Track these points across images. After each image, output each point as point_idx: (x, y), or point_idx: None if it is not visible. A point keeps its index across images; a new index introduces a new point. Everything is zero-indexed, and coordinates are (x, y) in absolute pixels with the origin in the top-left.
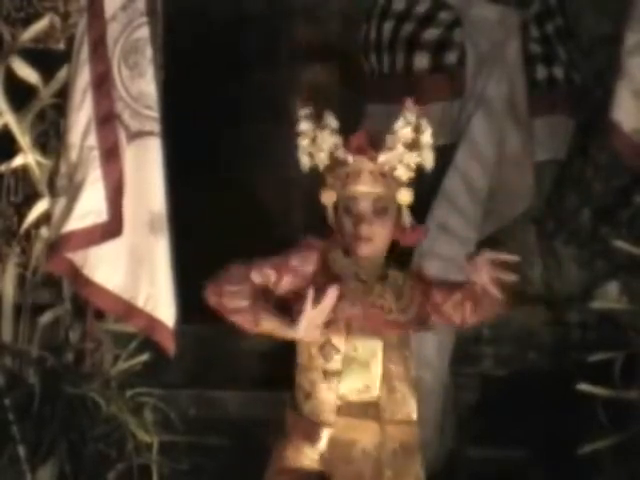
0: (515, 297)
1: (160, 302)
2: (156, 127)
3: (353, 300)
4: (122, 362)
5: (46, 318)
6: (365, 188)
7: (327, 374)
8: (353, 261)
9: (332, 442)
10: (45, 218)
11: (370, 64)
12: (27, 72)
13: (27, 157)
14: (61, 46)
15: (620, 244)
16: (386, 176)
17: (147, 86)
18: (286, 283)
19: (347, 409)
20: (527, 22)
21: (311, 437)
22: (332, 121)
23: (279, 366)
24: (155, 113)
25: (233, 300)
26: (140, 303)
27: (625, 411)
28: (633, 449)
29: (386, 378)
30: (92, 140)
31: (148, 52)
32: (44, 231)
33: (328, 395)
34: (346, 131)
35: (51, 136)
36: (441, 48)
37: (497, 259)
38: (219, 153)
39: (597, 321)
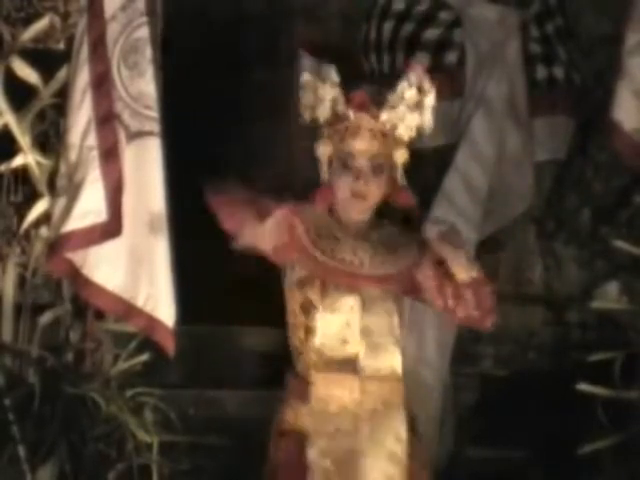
0: (515, 297)
1: (160, 302)
2: (156, 127)
3: (324, 257)
4: (122, 362)
5: (46, 318)
6: (364, 145)
7: (309, 331)
8: (335, 220)
9: (312, 397)
10: (45, 218)
11: (370, 64)
12: (27, 72)
13: (27, 157)
14: (61, 46)
15: (620, 244)
16: (386, 135)
17: (147, 86)
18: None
19: (325, 365)
20: (527, 22)
21: (302, 396)
22: (333, 74)
23: (279, 366)
24: (155, 113)
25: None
26: (140, 303)
27: (625, 411)
28: (633, 449)
29: (367, 333)
30: (92, 140)
31: (148, 52)
32: (44, 231)
33: (311, 352)
34: None
35: (51, 136)
36: (441, 48)
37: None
38: (219, 153)
39: (597, 321)
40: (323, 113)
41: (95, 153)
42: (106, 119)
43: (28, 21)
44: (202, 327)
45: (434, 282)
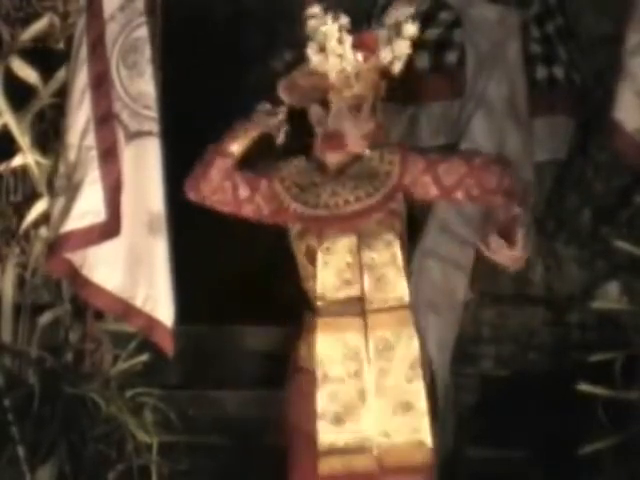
0: (515, 297)
1: (159, 302)
2: (155, 127)
3: (308, 209)
4: (122, 362)
5: (46, 318)
6: (370, 86)
7: (315, 278)
8: (314, 166)
9: (319, 342)
10: (44, 218)
11: None
12: (26, 72)
13: (26, 157)
14: (60, 46)
15: (620, 244)
16: (380, 71)
17: (146, 86)
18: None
19: (328, 308)
20: (527, 22)
21: (309, 328)
22: (345, 19)
23: (279, 366)
24: (154, 113)
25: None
26: (139, 303)
27: (625, 411)
28: (633, 449)
29: (370, 268)
30: (91, 140)
31: (147, 52)
32: (43, 231)
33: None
34: None
35: (51, 136)
36: (441, 48)
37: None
38: None
39: (597, 321)
40: (349, 62)
41: (94, 153)
42: (105, 119)
43: (27, 21)
44: (202, 327)
45: (442, 168)
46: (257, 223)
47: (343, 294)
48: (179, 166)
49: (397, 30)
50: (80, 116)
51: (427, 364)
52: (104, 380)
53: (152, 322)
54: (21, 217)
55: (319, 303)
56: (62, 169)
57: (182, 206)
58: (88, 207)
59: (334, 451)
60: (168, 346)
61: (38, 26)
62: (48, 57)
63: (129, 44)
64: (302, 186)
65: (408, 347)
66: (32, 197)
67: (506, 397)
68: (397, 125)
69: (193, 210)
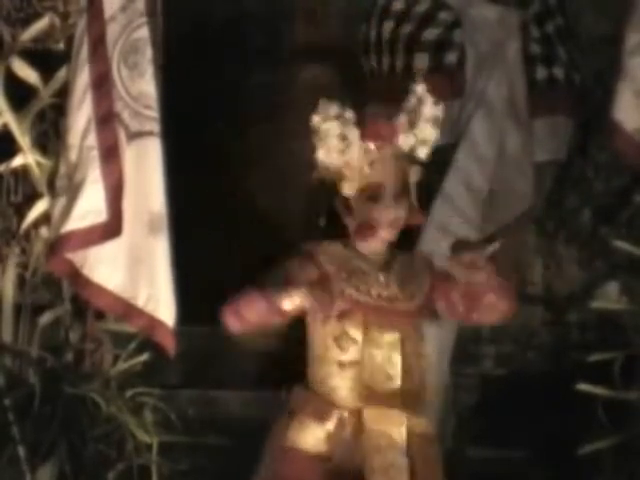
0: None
1: (160, 302)
2: (156, 127)
3: (361, 293)
4: (122, 362)
5: (46, 318)
6: (389, 173)
7: (342, 365)
8: (355, 254)
9: (361, 433)
10: (45, 218)
11: (370, 64)
12: (27, 72)
13: (27, 157)
14: (61, 46)
15: (620, 244)
16: (403, 157)
17: (147, 86)
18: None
19: (372, 398)
20: (527, 22)
21: (320, 415)
22: (350, 114)
23: (279, 366)
24: (155, 113)
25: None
26: (140, 303)
27: (625, 411)
28: (633, 449)
29: (405, 369)
30: (92, 140)
31: (148, 52)
32: (44, 231)
33: (343, 384)
34: None
35: (51, 136)
36: (441, 48)
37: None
38: (219, 153)
39: (597, 321)
40: (354, 155)
41: (95, 153)
42: (106, 119)
43: (28, 21)
44: (202, 327)
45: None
46: (257, 224)
47: (387, 387)
48: (180, 166)
49: (416, 114)
50: (81, 116)
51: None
52: (104, 380)
53: (154, 322)
54: (21, 217)
55: (363, 391)
56: (63, 169)
57: (183, 206)
58: (89, 207)
59: None
60: (170, 346)
61: (38, 26)
62: (48, 57)
63: (130, 44)
64: (350, 270)
65: (436, 452)
66: (32, 197)
67: (506, 397)
68: None
69: (194, 210)
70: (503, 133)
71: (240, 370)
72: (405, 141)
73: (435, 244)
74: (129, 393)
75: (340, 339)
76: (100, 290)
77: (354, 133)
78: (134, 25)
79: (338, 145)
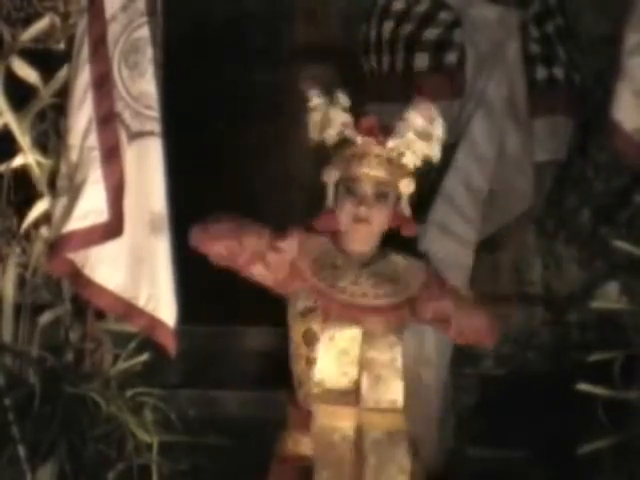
0: (515, 297)
1: (161, 302)
2: (156, 127)
3: (324, 285)
4: (122, 362)
5: (46, 318)
6: (369, 171)
7: (310, 362)
8: (336, 248)
9: (315, 428)
10: (45, 218)
11: (370, 64)
12: (27, 72)
13: (27, 157)
14: (61, 46)
15: (620, 244)
16: (392, 162)
17: (147, 86)
18: (267, 259)
19: (326, 396)
20: (527, 22)
21: (303, 427)
22: (344, 99)
23: (279, 366)
24: (155, 113)
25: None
26: (141, 303)
27: (625, 411)
28: (633, 449)
29: (368, 366)
30: (92, 140)
31: (148, 52)
32: (44, 231)
33: (311, 380)
34: None
35: (51, 136)
36: (441, 48)
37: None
38: (219, 153)
39: (597, 321)
40: (331, 135)
41: (96, 153)
42: (107, 119)
43: (28, 21)
44: (202, 327)
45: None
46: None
47: (340, 384)
48: (180, 166)
49: (407, 124)
50: (82, 116)
51: (418, 472)
52: (104, 380)
53: (154, 322)
54: (22, 217)
55: (316, 389)
56: (64, 169)
57: (183, 206)
58: (90, 207)
59: None
60: (171, 346)
61: (39, 26)
62: (49, 57)
63: (130, 44)
64: (323, 263)
65: (398, 451)
66: (33, 197)
67: (506, 397)
68: None
69: (194, 210)
70: (503, 133)
71: (240, 370)
72: (394, 146)
73: (435, 244)
74: (129, 393)
75: (306, 335)
76: (101, 290)
77: (340, 116)
78: (135, 25)
79: (320, 121)
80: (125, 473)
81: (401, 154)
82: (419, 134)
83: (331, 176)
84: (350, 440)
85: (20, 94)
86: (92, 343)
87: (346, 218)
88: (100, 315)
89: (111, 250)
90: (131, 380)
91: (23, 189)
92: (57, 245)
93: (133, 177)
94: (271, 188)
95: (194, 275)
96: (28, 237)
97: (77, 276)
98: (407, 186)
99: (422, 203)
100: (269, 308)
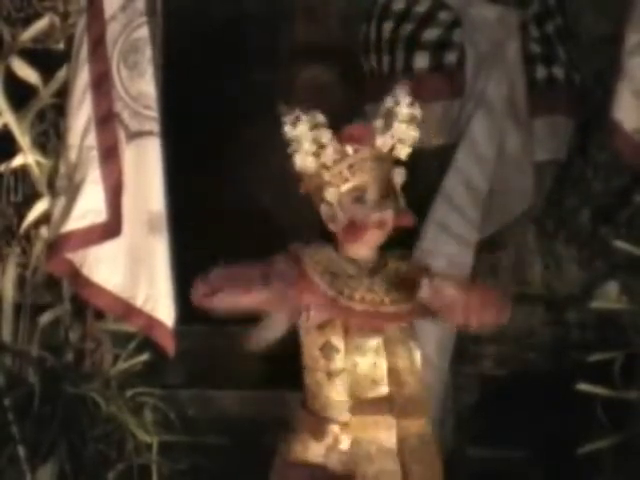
0: (515, 297)
1: (159, 302)
2: (155, 127)
3: (343, 299)
4: (122, 362)
5: (46, 318)
6: (370, 175)
7: (330, 374)
8: (343, 258)
9: (351, 442)
10: (45, 218)
11: (370, 64)
12: (27, 72)
13: (27, 157)
14: (61, 46)
15: (619, 244)
16: (384, 159)
17: (146, 86)
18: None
19: (360, 407)
20: (527, 22)
21: (317, 433)
22: (320, 117)
23: (279, 366)
24: (154, 113)
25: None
26: (139, 303)
27: (625, 411)
28: (633, 449)
29: (394, 373)
30: (91, 140)
31: (148, 52)
32: (44, 231)
33: (334, 394)
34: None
35: (51, 136)
36: (441, 48)
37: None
38: (219, 153)
39: (596, 321)
40: (328, 157)
41: (95, 153)
42: (106, 119)
43: (28, 21)
44: (202, 327)
45: (452, 302)
46: (257, 224)
47: (373, 394)
48: (180, 166)
49: (392, 115)
50: (81, 116)
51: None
52: (104, 380)
53: (153, 322)
54: (21, 217)
55: (350, 401)
56: (63, 169)
57: (183, 206)
58: (89, 207)
59: None
60: (169, 346)
61: (38, 26)
62: (48, 57)
63: (130, 44)
64: (334, 274)
65: (430, 455)
66: (32, 197)
67: (506, 397)
68: None
69: (194, 209)
70: (503, 133)
71: (240, 370)
72: (383, 142)
73: (435, 244)
74: (129, 393)
75: (325, 349)
76: (99, 290)
77: (327, 135)
78: (134, 25)
79: (311, 148)
80: (125, 473)
81: (391, 148)
82: (407, 120)
83: (334, 195)
84: (390, 450)
85: (20, 94)
86: (92, 343)
87: (361, 227)
88: (100, 315)
89: (109, 250)
90: (131, 380)
91: (23, 189)
92: (56, 245)
93: (132, 177)
94: (271, 188)
95: (194, 275)
96: (28, 237)
97: (76, 276)
98: (399, 176)
99: (422, 203)
100: None
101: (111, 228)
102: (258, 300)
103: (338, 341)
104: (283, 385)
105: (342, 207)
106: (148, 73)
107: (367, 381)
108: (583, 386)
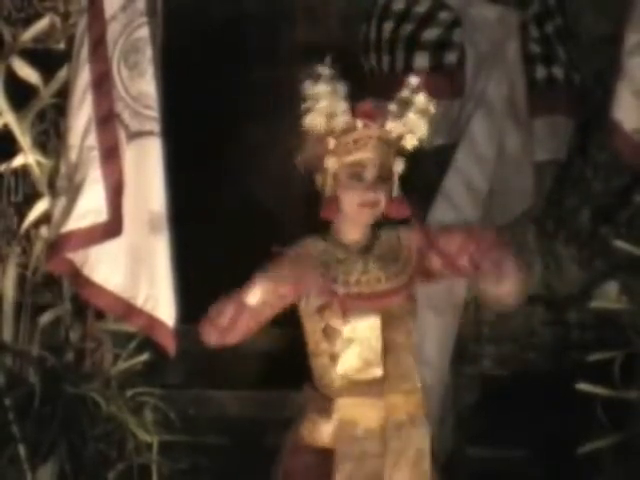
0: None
1: (160, 302)
2: (156, 127)
3: (339, 286)
4: (122, 362)
5: (46, 318)
6: (373, 154)
7: (333, 357)
8: (334, 243)
9: (338, 422)
10: (45, 218)
11: (370, 64)
12: (27, 72)
13: (27, 157)
14: (61, 46)
15: (619, 244)
16: (390, 144)
17: (147, 86)
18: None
19: (350, 388)
20: (526, 22)
21: (324, 410)
22: (343, 87)
23: (279, 366)
24: (155, 113)
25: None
26: (140, 303)
27: (625, 411)
28: (633, 449)
29: (391, 350)
30: (92, 140)
31: (148, 52)
32: (44, 231)
33: (336, 375)
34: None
35: (51, 136)
36: (441, 48)
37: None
38: (219, 153)
39: (596, 321)
40: (338, 124)
41: (95, 153)
42: (106, 119)
43: (28, 21)
44: None
45: (450, 259)
46: (257, 223)
47: (365, 376)
48: (180, 166)
49: (407, 104)
50: (81, 116)
51: (435, 454)
52: (105, 379)
53: (153, 322)
54: (22, 217)
55: (339, 383)
56: (63, 169)
57: (183, 205)
58: (89, 207)
59: None
60: (170, 346)
61: (39, 26)
62: (49, 57)
63: (130, 44)
64: (326, 262)
65: (419, 434)
66: (33, 197)
67: (506, 397)
68: None
69: (194, 210)
70: (503, 133)
71: (240, 370)
72: (393, 127)
73: None
74: (129, 393)
75: (326, 332)
76: (100, 290)
77: (342, 105)
78: (134, 25)
79: (326, 108)
80: (125, 473)
81: (400, 136)
82: (421, 111)
83: (332, 164)
84: (374, 432)
85: (20, 94)
86: (92, 343)
87: (351, 203)
88: (100, 315)
89: (110, 250)
90: (131, 380)
91: (23, 189)
92: (56, 245)
93: (132, 177)
94: (271, 188)
95: (194, 274)
96: (28, 237)
97: (76, 276)
98: (398, 166)
99: (422, 203)
100: None
101: (111, 228)
102: (259, 304)
103: (337, 323)
104: (283, 385)
105: (337, 179)
106: (148, 73)
107: (361, 362)
108: (583, 386)
